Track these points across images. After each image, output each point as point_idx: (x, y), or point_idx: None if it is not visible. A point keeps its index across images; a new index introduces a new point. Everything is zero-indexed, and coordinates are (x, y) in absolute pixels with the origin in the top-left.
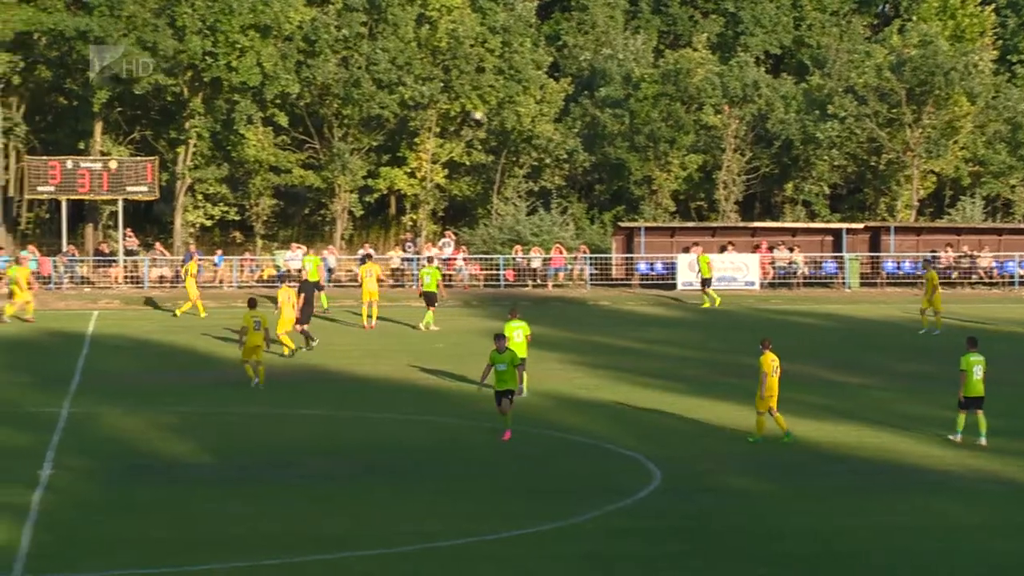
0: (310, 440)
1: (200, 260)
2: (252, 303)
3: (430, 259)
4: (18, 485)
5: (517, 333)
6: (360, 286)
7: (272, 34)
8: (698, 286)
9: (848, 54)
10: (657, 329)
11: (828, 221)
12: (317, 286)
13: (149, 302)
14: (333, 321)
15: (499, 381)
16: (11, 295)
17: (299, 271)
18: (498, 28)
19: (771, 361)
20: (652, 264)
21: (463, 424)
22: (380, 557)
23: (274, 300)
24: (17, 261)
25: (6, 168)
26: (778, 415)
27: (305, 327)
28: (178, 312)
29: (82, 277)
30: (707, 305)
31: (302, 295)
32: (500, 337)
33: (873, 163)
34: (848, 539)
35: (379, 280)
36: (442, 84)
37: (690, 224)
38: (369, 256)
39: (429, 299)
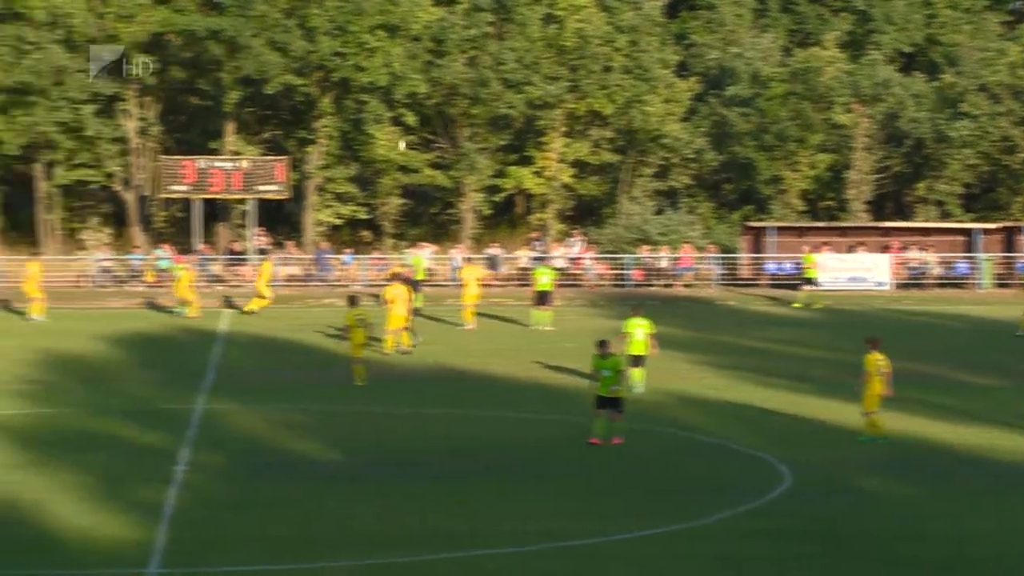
0: (439, 439)
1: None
2: (353, 301)
3: (544, 258)
4: (154, 482)
5: (639, 331)
6: (463, 288)
7: (400, 34)
8: (826, 286)
9: (981, 52)
10: (785, 329)
11: (961, 221)
12: (414, 284)
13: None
14: (453, 324)
15: (603, 387)
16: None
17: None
18: (625, 27)
19: (876, 361)
20: (781, 264)
21: (589, 424)
22: (511, 556)
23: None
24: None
25: (141, 168)
26: (873, 417)
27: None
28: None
29: (214, 275)
30: (797, 305)
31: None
32: (604, 343)
33: (1007, 162)
34: (982, 543)
35: (478, 282)
36: (569, 83)
37: (820, 224)
38: (468, 259)
39: (543, 298)
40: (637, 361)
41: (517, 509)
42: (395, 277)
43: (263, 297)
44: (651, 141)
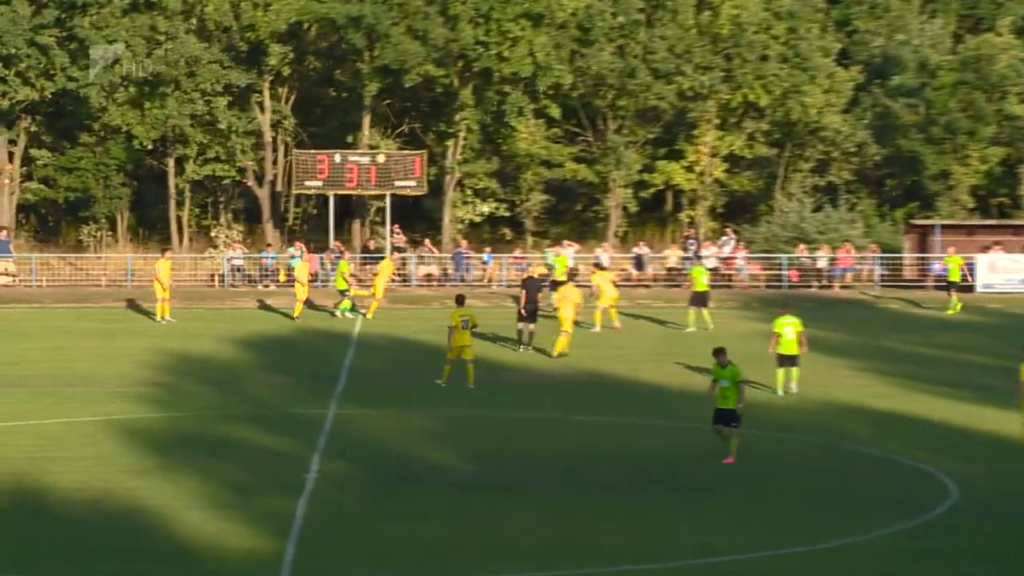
0: (584, 447)
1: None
2: (460, 300)
3: (699, 257)
4: (284, 490)
5: (788, 329)
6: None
7: (545, 22)
8: (997, 288)
9: None
10: (951, 334)
11: None
12: (553, 285)
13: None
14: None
15: (721, 398)
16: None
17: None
18: (784, 13)
19: None
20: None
21: (744, 433)
22: (658, 572)
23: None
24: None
25: (274, 162)
26: None
27: (526, 326)
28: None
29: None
30: (950, 312)
31: (525, 291)
32: (720, 351)
33: None
34: None
35: (613, 284)
36: (723, 73)
37: (990, 222)
38: (599, 266)
39: (701, 299)
40: (789, 361)
41: (668, 522)
42: (535, 278)
43: (369, 295)
44: (809, 134)
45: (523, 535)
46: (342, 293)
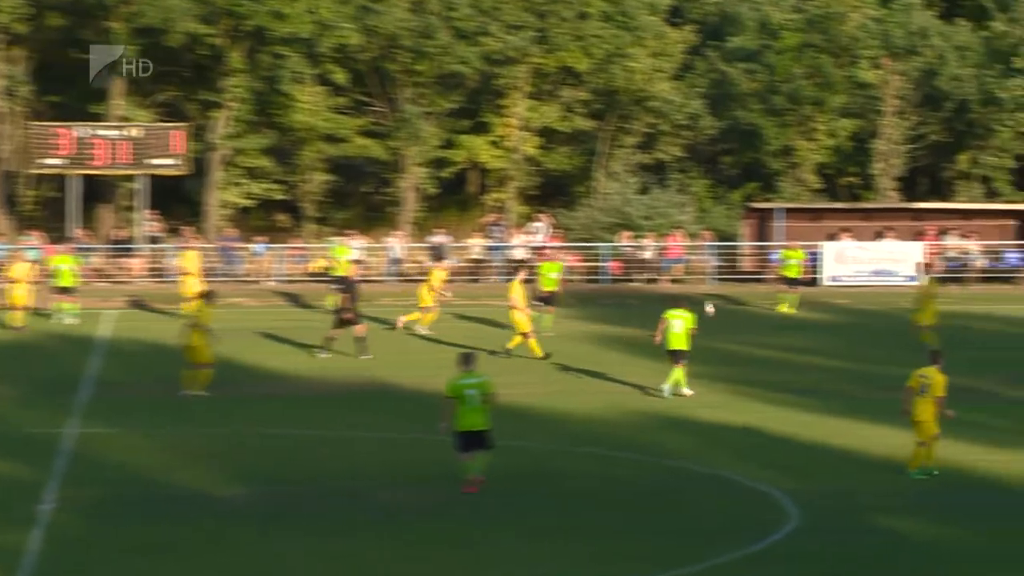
0: (378, 466)
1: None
2: (209, 296)
3: (542, 249)
4: (14, 524)
5: (678, 323)
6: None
7: None
8: (845, 281)
9: None
10: (796, 334)
11: (1012, 201)
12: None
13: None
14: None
15: (463, 417)
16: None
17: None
18: None
19: (919, 377)
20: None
21: (552, 449)
22: None
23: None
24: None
25: (7, 136)
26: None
27: (337, 333)
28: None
29: (94, 269)
30: (782, 309)
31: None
32: (467, 359)
33: None
34: None
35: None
36: (536, 34)
37: (839, 205)
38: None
39: (549, 299)
40: (677, 356)
41: (475, 551)
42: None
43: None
44: (635, 104)
45: (290, 568)
46: (64, 291)
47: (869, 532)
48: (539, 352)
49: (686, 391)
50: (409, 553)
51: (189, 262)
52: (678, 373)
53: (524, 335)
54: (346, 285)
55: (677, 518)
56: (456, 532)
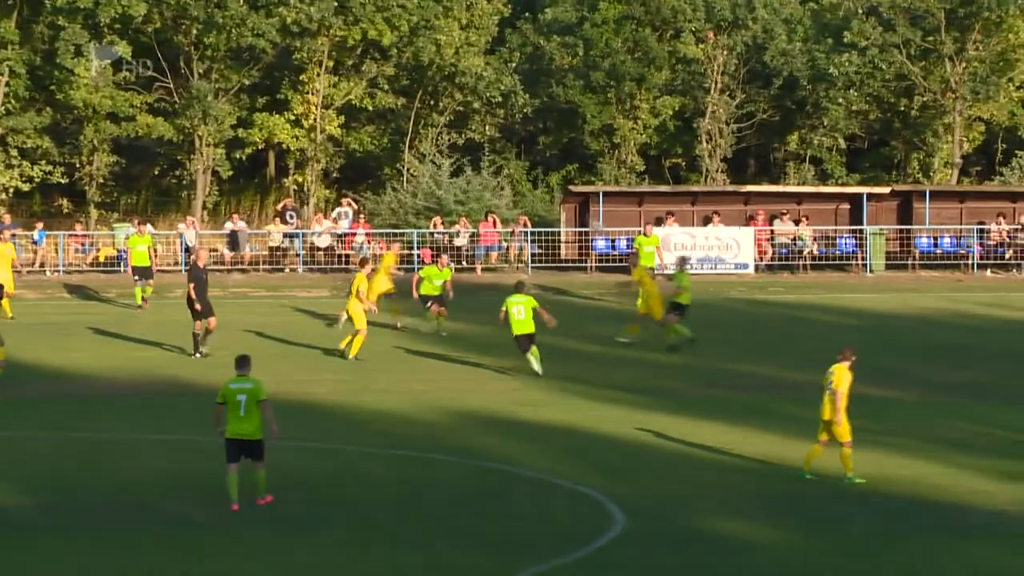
0: (173, 473)
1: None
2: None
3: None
4: None
5: (518, 309)
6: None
7: None
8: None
9: None
10: (621, 326)
11: (844, 184)
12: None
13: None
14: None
15: (233, 424)
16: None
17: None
18: None
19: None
20: (613, 241)
21: (353, 451)
22: None
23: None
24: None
25: None
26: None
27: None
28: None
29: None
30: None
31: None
32: (243, 359)
33: (903, 108)
34: None
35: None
36: (336, 4)
37: (663, 188)
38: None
39: (440, 301)
40: (525, 342)
41: (277, 566)
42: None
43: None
44: (445, 80)
45: None
46: None
47: (699, 538)
48: (353, 352)
49: (536, 367)
50: (197, 567)
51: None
52: (535, 351)
53: (359, 332)
54: (194, 274)
55: (495, 525)
56: (248, 542)
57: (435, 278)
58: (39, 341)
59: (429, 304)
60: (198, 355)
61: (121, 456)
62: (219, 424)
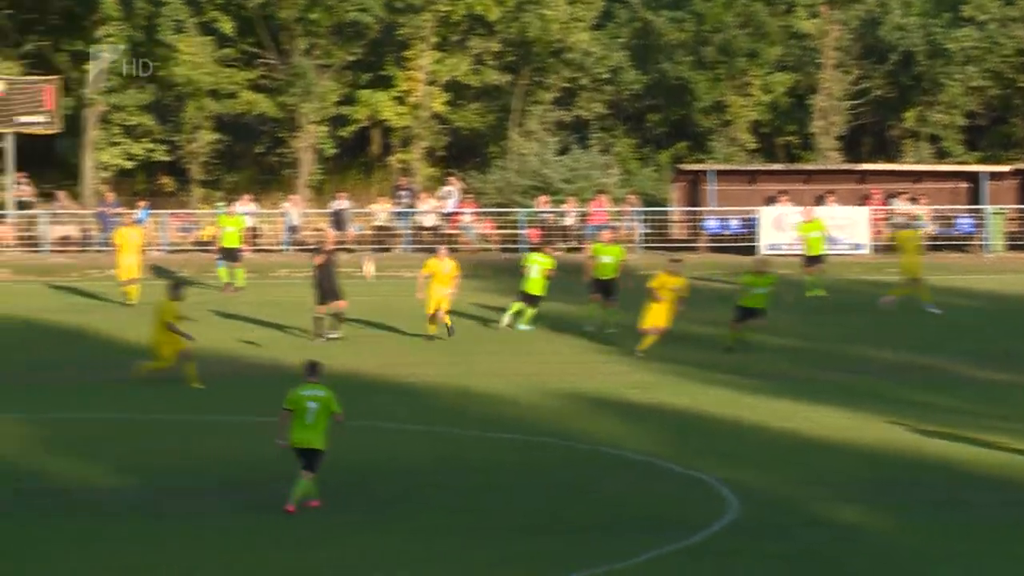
0: (267, 458)
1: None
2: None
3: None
4: None
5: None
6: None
7: None
8: (784, 249)
9: None
10: (731, 308)
11: (963, 162)
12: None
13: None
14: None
15: (296, 432)
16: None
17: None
18: None
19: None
20: (725, 220)
21: (460, 435)
22: None
23: None
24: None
25: None
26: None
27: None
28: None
29: None
30: (814, 293)
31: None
32: (312, 368)
33: (1023, 84)
34: None
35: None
36: None
37: (776, 167)
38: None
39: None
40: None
41: (367, 551)
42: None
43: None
44: (552, 56)
45: (163, 571)
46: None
47: (814, 525)
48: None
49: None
50: (294, 552)
51: (125, 238)
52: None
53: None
54: (325, 255)
55: (605, 510)
56: (348, 528)
57: (603, 254)
58: (143, 320)
59: (594, 294)
60: (321, 340)
61: (211, 440)
62: (282, 432)
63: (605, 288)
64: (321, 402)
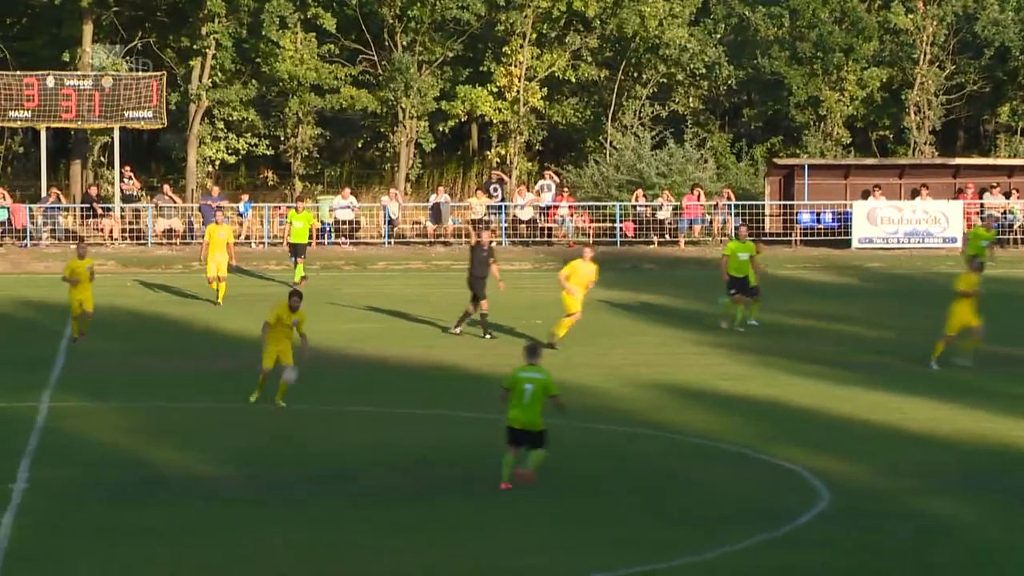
0: (369, 446)
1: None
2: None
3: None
4: None
5: (743, 255)
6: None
7: None
8: (877, 243)
9: None
10: (825, 301)
11: None
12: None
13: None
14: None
15: (514, 411)
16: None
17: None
18: None
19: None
20: (819, 214)
21: (564, 426)
22: None
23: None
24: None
25: None
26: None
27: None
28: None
29: (67, 230)
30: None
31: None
32: (532, 351)
33: None
34: None
35: None
36: None
37: (870, 161)
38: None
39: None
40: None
41: (474, 538)
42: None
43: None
44: (648, 52)
45: (292, 557)
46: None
47: (906, 516)
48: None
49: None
50: (398, 540)
51: (214, 236)
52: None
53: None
54: (474, 254)
55: (699, 500)
56: (448, 517)
57: (739, 252)
58: (245, 312)
59: (733, 292)
60: (457, 331)
61: (314, 429)
62: (504, 410)
63: (742, 285)
64: (538, 384)
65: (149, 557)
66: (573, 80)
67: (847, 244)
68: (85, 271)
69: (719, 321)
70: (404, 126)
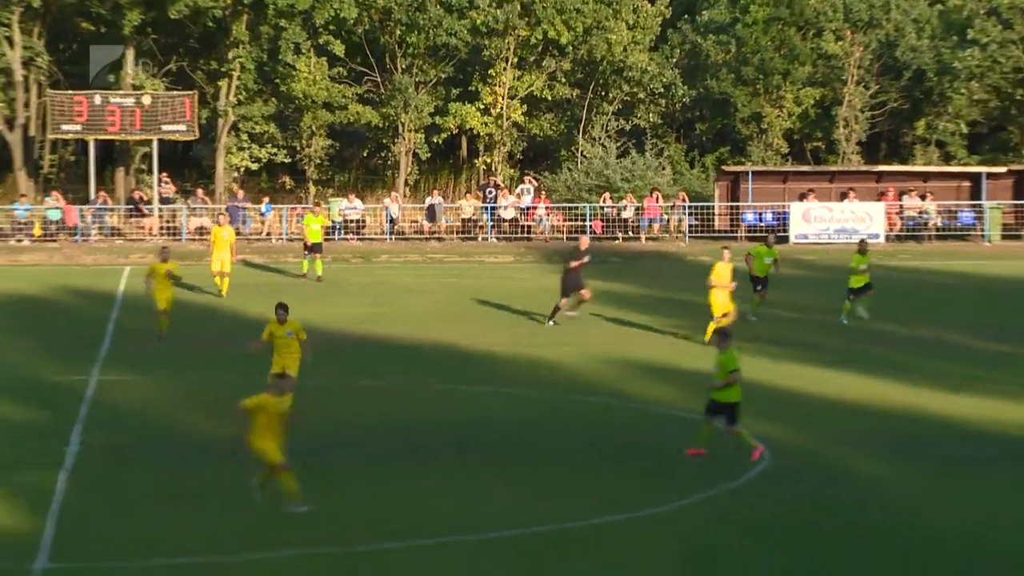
0: (380, 415)
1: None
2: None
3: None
4: (41, 466)
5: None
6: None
7: None
8: (811, 239)
9: None
10: (769, 289)
11: (966, 164)
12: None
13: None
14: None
15: (713, 390)
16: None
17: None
18: None
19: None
20: (761, 214)
21: (546, 398)
22: (445, 546)
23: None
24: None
25: (26, 104)
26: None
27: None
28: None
29: (112, 228)
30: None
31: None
32: (724, 333)
33: (1020, 97)
34: (1001, 539)
35: None
36: (520, 7)
37: (805, 168)
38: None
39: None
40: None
41: (462, 496)
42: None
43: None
44: (614, 74)
45: (314, 520)
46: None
47: (833, 474)
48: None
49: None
50: (396, 502)
51: (218, 236)
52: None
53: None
54: (572, 256)
55: (654, 460)
56: (441, 477)
57: (764, 256)
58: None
59: (758, 288)
60: (551, 323)
61: (328, 401)
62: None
63: (762, 283)
64: (722, 366)
65: (189, 517)
66: (549, 98)
67: (785, 240)
68: (163, 274)
69: (747, 315)
70: (403, 138)
